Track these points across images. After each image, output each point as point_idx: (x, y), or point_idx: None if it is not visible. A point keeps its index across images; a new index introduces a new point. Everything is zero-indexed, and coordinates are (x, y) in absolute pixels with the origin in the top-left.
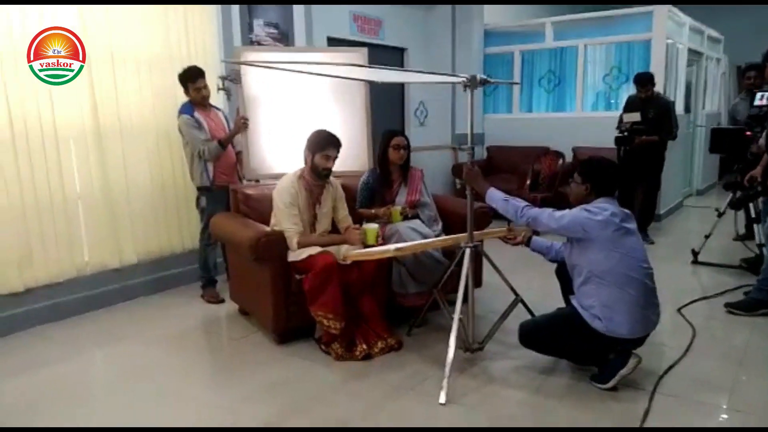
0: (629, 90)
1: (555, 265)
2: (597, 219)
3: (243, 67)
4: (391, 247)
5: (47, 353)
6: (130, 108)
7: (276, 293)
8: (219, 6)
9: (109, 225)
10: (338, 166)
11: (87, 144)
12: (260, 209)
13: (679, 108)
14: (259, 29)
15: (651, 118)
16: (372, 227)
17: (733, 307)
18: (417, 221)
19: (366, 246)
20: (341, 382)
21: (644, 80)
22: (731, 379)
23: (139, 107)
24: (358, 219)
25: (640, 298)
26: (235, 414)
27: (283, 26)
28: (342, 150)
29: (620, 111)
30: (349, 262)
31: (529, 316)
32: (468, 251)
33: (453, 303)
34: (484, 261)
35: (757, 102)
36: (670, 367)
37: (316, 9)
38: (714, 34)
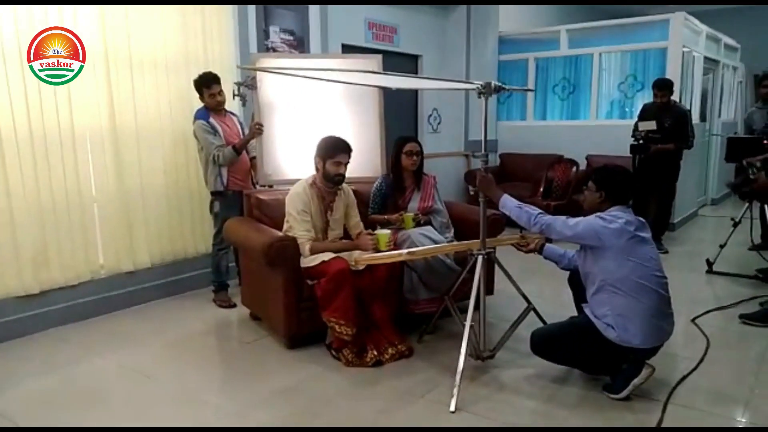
0: (645, 98)
1: (568, 274)
2: (611, 227)
3: (259, 73)
4: (403, 251)
5: (62, 355)
6: (147, 111)
7: (288, 298)
8: (236, 11)
9: (123, 228)
10: (351, 172)
11: (104, 146)
12: (273, 214)
13: (695, 116)
14: (275, 36)
15: (667, 126)
16: (384, 233)
17: (748, 318)
18: (429, 228)
19: (378, 251)
20: (351, 388)
21: (663, 85)
22: (746, 391)
23: (156, 111)
24: (371, 225)
25: (653, 307)
26: (245, 418)
27: (299, 33)
28: (355, 156)
29: (635, 119)
30: (360, 267)
31: (541, 325)
32: (480, 258)
33: (464, 310)
34: (497, 268)
35: None
36: (684, 378)
37: (332, 16)
38: (731, 42)
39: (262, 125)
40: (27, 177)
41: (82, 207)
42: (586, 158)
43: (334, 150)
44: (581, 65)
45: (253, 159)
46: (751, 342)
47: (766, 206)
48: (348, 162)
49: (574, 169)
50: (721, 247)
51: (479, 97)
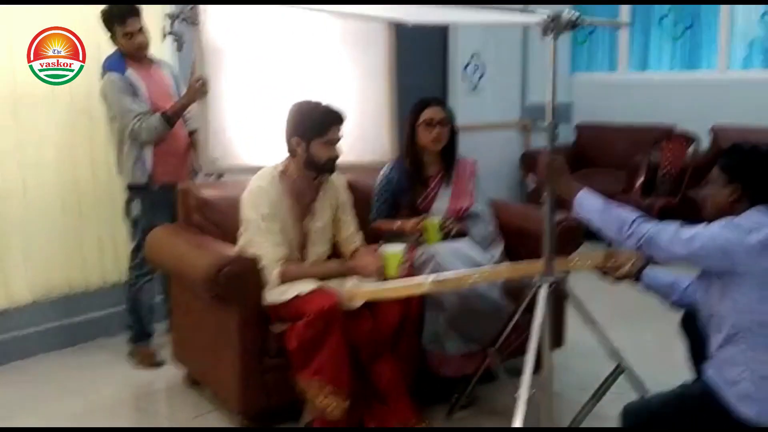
0: None
1: (680, 314)
2: (750, 241)
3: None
4: (425, 279)
5: None
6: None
7: (245, 352)
8: None
9: None
10: (345, 154)
11: None
12: (223, 221)
13: None
14: None
15: None
16: (395, 250)
17: None
18: (464, 241)
19: (385, 279)
20: None
21: None
22: None
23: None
24: (375, 238)
25: None
26: None
27: None
28: (352, 131)
29: None
30: (357, 304)
31: (637, 396)
32: (544, 290)
33: (518, 372)
34: (569, 306)
35: None
36: None
37: None
38: None
39: (207, 82)
40: None
41: None
42: (712, 131)
43: (325, 124)
44: None
45: (192, 134)
46: None
47: None
48: (341, 137)
49: (692, 148)
50: None
51: (544, 36)
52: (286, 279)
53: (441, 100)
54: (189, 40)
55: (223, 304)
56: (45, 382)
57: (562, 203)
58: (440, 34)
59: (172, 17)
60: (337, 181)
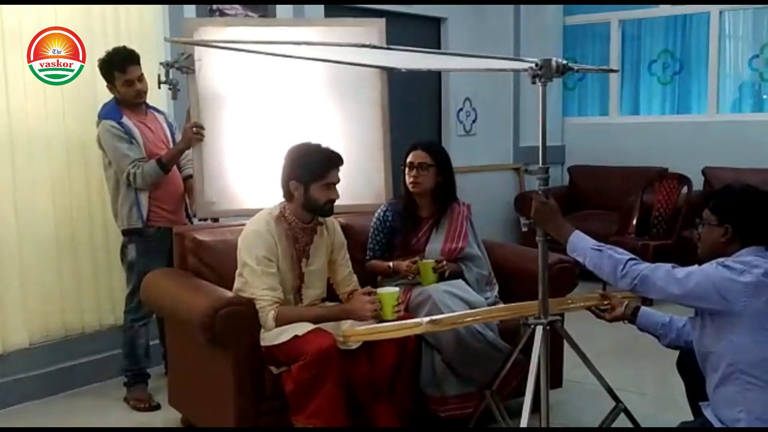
0: None
1: (676, 354)
2: (742, 280)
3: (198, 49)
4: (422, 320)
5: None
6: (28, 108)
7: (241, 395)
8: None
9: None
10: (339, 199)
11: None
12: (219, 264)
13: None
14: None
15: None
16: (390, 291)
17: None
18: (460, 282)
19: (381, 321)
20: None
21: None
22: None
23: (42, 108)
24: (371, 279)
25: None
26: None
27: None
28: (346, 174)
29: None
30: (353, 345)
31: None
32: (540, 330)
33: (517, 413)
34: (566, 346)
35: None
36: None
37: None
38: None
39: (202, 128)
40: None
41: None
42: (703, 172)
43: (324, 167)
44: (692, 30)
45: (188, 179)
46: None
47: None
48: (339, 179)
49: (685, 189)
50: None
51: (534, 82)
52: (281, 322)
53: (430, 145)
54: (184, 87)
55: (219, 347)
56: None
57: (556, 245)
58: (434, 79)
59: (167, 66)
60: (332, 223)
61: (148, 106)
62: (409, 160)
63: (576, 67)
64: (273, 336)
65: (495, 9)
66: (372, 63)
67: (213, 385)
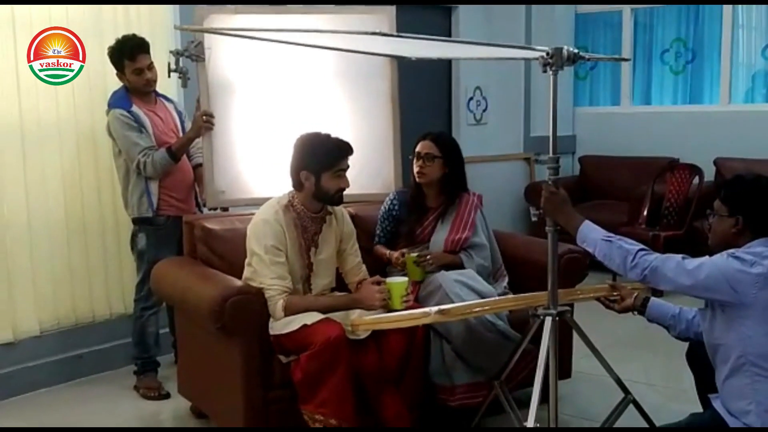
0: None
1: (686, 346)
2: (753, 272)
3: (208, 37)
4: (431, 309)
5: None
6: (38, 98)
7: (250, 384)
8: None
9: None
10: (349, 188)
11: None
12: (228, 253)
13: None
14: None
15: None
16: (399, 281)
17: None
18: (470, 272)
19: (390, 310)
20: None
21: None
22: None
23: (52, 98)
24: (379, 268)
25: None
26: None
27: None
28: (356, 163)
29: None
30: (362, 334)
31: (645, 426)
32: (549, 321)
33: (525, 403)
34: (575, 337)
35: None
36: None
37: None
38: None
39: (212, 117)
40: None
41: None
42: (715, 163)
43: (335, 156)
44: (705, 19)
45: (198, 168)
46: None
47: None
48: (348, 167)
49: (696, 180)
50: None
51: (545, 71)
52: (290, 311)
53: (439, 136)
54: (194, 76)
55: (228, 336)
56: (50, 415)
57: (566, 235)
58: (444, 68)
59: (177, 54)
60: (341, 212)
61: (157, 95)
62: (417, 149)
63: (587, 56)
64: (282, 325)
65: None
66: (382, 51)
67: (222, 374)
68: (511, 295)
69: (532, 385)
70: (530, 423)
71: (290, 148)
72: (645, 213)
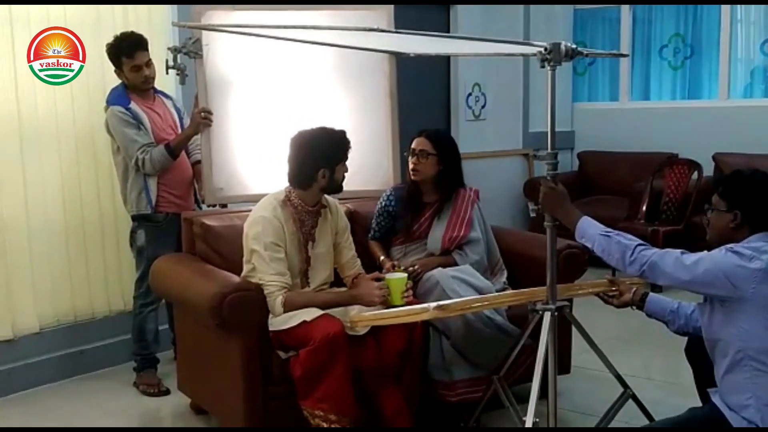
0: None
1: (685, 341)
2: (751, 266)
3: (206, 34)
4: (429, 305)
5: None
6: (36, 97)
7: (249, 380)
8: None
9: None
10: (347, 183)
11: None
12: (227, 250)
13: None
14: None
15: None
16: (398, 277)
17: None
18: (468, 268)
19: (390, 306)
20: None
21: None
22: None
23: (50, 96)
24: (375, 264)
25: None
26: None
27: None
28: (353, 159)
29: None
30: (361, 330)
31: (645, 421)
32: (548, 316)
33: (525, 398)
34: (574, 332)
35: None
36: None
37: None
38: None
39: (210, 113)
40: None
41: None
42: (714, 158)
43: (343, 147)
44: (703, 14)
45: (196, 165)
46: None
47: None
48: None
49: (695, 175)
50: None
51: (543, 67)
52: (289, 307)
53: (434, 133)
54: (192, 72)
55: (227, 332)
56: (51, 412)
57: (564, 231)
58: (443, 65)
59: (175, 51)
60: (336, 205)
61: (156, 91)
62: (412, 146)
63: (585, 52)
64: (281, 321)
65: None
66: (380, 48)
67: (221, 370)
68: (510, 291)
69: (531, 380)
70: (529, 418)
71: (288, 145)
72: (644, 208)
